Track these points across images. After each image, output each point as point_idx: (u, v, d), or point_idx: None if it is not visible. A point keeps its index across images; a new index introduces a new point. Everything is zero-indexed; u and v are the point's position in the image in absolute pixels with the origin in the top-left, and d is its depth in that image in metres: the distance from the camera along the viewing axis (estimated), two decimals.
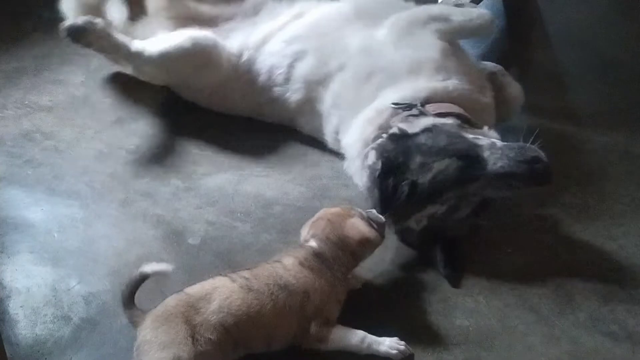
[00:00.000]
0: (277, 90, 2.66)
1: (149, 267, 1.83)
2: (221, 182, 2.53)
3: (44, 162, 2.60)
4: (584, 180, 2.58)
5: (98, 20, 2.72)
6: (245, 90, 2.72)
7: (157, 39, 2.75)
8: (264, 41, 2.70)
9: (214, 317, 1.76)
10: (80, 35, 2.70)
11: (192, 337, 1.72)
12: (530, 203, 2.45)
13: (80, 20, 2.70)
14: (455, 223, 2.17)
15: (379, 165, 2.14)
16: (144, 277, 1.82)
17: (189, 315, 1.75)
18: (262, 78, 2.68)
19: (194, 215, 2.38)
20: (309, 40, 2.62)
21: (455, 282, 2.12)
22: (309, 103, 2.60)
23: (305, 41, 2.62)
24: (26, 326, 1.98)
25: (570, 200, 2.47)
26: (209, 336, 1.74)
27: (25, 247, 2.24)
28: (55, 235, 2.28)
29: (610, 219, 2.39)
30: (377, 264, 2.14)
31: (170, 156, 2.66)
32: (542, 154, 2.08)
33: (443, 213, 2.13)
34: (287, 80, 2.63)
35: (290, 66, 2.62)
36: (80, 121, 2.82)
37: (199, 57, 2.67)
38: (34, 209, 2.39)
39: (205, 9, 2.86)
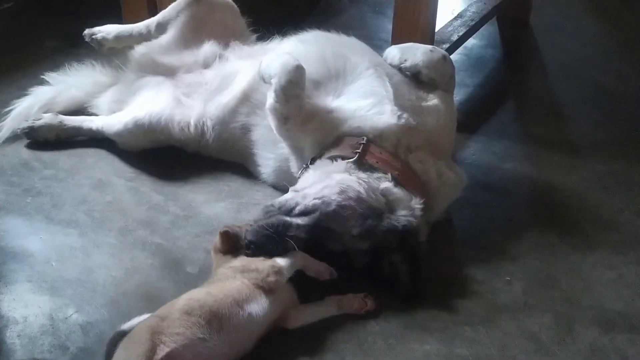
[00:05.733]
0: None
1: (127, 325, 1.89)
2: (220, 210, 2.53)
3: (43, 191, 2.60)
4: (582, 209, 2.59)
5: (45, 115, 2.88)
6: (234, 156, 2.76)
7: (111, 118, 2.83)
8: (223, 119, 2.70)
9: (176, 313, 1.82)
10: (32, 134, 2.85)
11: (157, 340, 1.75)
12: (529, 231, 2.46)
13: (29, 121, 2.86)
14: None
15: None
16: (123, 335, 1.85)
17: (155, 326, 1.79)
18: (240, 153, 2.72)
19: (192, 244, 2.37)
20: (255, 128, 2.64)
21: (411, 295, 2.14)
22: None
23: (254, 130, 2.64)
24: (23, 355, 1.96)
25: (569, 229, 2.48)
26: (176, 331, 1.78)
27: (24, 276, 2.23)
28: (54, 264, 2.28)
29: (609, 248, 2.40)
30: (374, 293, 2.14)
31: (169, 185, 2.66)
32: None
33: None
34: (258, 164, 2.67)
35: (255, 151, 2.66)
36: (80, 150, 2.84)
37: (146, 134, 2.74)
38: (33, 238, 2.38)
39: (168, 59, 2.91)
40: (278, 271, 2.00)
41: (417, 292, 2.15)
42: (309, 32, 2.74)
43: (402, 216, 2.17)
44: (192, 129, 2.72)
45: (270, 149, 2.57)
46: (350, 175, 2.23)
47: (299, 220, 2.12)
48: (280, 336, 2.00)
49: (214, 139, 2.72)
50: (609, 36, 3.93)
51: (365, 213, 2.14)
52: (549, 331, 2.07)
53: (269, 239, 2.06)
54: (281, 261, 2.03)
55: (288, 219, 2.12)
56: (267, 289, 1.96)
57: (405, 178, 2.28)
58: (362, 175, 2.24)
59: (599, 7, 4.24)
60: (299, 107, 2.37)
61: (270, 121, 2.42)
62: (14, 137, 2.87)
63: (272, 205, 2.20)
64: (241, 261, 2.04)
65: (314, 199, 2.16)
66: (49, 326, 2.05)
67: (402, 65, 2.56)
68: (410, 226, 2.16)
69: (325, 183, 2.20)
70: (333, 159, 2.31)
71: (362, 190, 2.17)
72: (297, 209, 2.15)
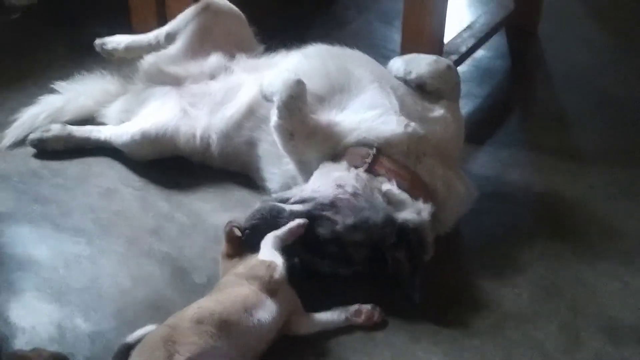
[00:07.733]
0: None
1: (132, 337, 1.91)
2: (227, 219, 2.51)
3: (51, 198, 2.62)
4: (588, 218, 2.58)
5: (53, 126, 2.88)
6: (240, 169, 2.76)
7: (119, 128, 2.84)
8: (227, 133, 2.70)
9: (187, 322, 1.83)
10: (41, 145, 2.86)
11: (172, 349, 1.76)
12: (535, 240, 2.45)
13: (37, 132, 2.86)
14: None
15: None
16: (129, 347, 1.87)
17: (167, 335, 1.80)
18: (245, 166, 2.72)
19: (199, 253, 2.38)
20: (260, 143, 2.63)
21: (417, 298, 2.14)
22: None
23: (259, 146, 2.63)
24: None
25: (575, 238, 2.47)
26: (189, 340, 1.78)
27: (31, 284, 2.24)
28: (61, 272, 2.29)
29: (615, 256, 2.39)
30: (381, 304, 2.14)
31: (177, 193, 2.67)
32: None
33: None
34: (265, 179, 2.66)
35: (261, 166, 2.65)
36: (88, 158, 2.84)
37: (152, 145, 2.75)
38: (40, 246, 2.40)
39: (175, 70, 2.92)
40: (270, 265, 2.01)
41: (417, 288, 2.14)
42: (313, 47, 2.74)
43: (408, 214, 2.18)
44: (197, 141, 2.73)
45: (276, 165, 2.56)
46: (349, 172, 2.26)
47: (293, 207, 2.16)
48: (287, 346, 2.00)
49: (219, 152, 2.72)
50: (615, 45, 3.92)
51: (362, 205, 2.16)
52: (555, 340, 2.07)
53: (261, 221, 2.13)
54: (266, 255, 2.05)
55: (281, 204, 2.17)
56: (273, 290, 1.98)
57: (414, 188, 2.28)
58: (363, 175, 2.26)
59: (606, 16, 4.23)
60: (303, 121, 2.37)
61: (276, 138, 2.42)
62: (22, 145, 2.88)
63: (270, 196, 2.28)
64: (244, 268, 2.05)
65: (312, 191, 2.22)
66: (57, 335, 2.06)
67: (407, 77, 2.57)
68: (414, 222, 2.16)
69: (324, 180, 2.25)
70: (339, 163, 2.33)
71: (359, 186, 2.21)
72: (293, 199, 2.21)
